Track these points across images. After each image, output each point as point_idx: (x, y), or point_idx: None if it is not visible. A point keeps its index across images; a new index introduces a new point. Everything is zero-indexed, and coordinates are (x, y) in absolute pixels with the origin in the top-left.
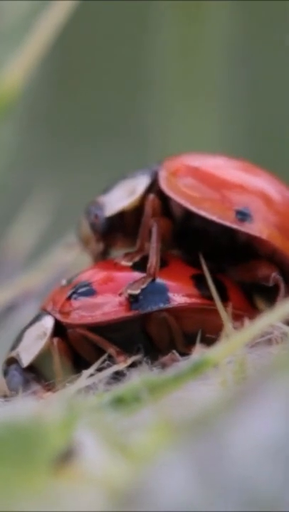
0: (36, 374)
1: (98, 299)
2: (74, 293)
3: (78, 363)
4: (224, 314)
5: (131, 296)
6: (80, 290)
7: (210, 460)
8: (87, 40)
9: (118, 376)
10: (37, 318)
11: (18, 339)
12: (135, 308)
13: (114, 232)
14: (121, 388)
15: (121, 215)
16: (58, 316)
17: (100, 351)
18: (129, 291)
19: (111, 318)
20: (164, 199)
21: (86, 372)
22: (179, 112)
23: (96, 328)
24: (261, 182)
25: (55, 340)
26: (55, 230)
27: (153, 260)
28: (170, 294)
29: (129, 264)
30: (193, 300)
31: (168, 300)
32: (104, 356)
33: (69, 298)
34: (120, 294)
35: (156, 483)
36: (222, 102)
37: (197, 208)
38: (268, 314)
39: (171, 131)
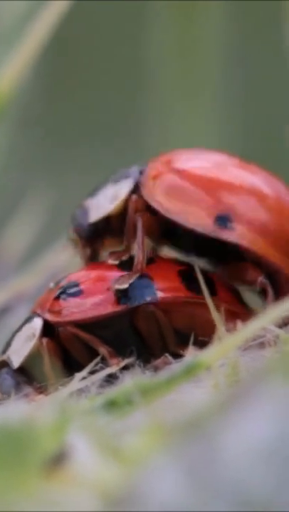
0: (28, 377)
1: (86, 296)
2: (62, 292)
3: (70, 366)
4: (214, 312)
5: (118, 290)
6: (68, 289)
7: (202, 463)
8: (84, 40)
9: (111, 379)
10: (26, 321)
11: (9, 343)
12: (123, 303)
13: (100, 236)
14: (113, 391)
15: (106, 220)
16: (47, 316)
17: (92, 352)
18: (117, 286)
19: (100, 313)
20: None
21: (78, 375)
22: (178, 112)
23: (86, 325)
24: (248, 182)
25: (45, 340)
26: (50, 232)
27: (140, 256)
28: (157, 288)
29: (116, 262)
30: (180, 293)
31: (155, 293)
32: (97, 359)
33: (57, 297)
34: (108, 290)
35: (149, 486)
36: (220, 101)
37: (175, 217)
38: (261, 317)
39: (170, 131)
